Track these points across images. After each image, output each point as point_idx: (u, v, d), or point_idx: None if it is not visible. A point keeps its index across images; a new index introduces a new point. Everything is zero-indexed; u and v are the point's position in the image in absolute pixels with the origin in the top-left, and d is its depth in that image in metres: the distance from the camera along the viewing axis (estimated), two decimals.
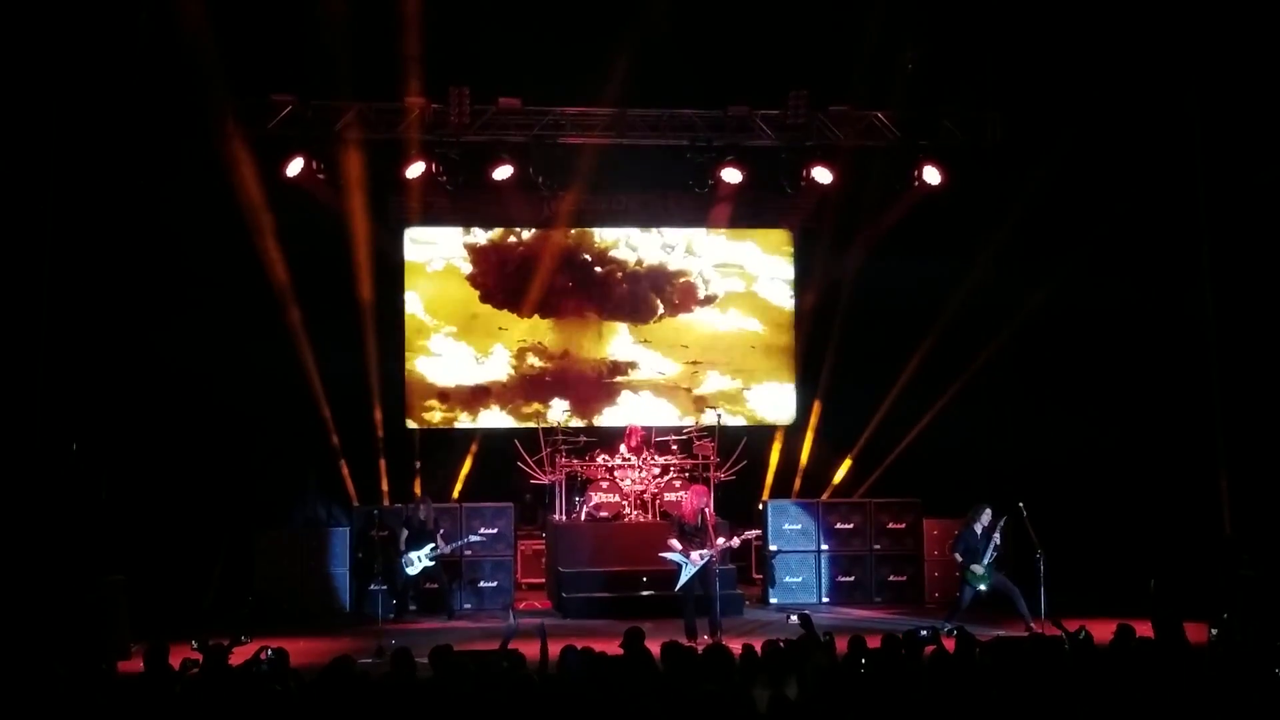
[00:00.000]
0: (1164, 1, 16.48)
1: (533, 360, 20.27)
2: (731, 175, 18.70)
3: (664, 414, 20.19)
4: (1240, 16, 15.81)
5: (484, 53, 17.52)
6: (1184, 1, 16.35)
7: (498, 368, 20.22)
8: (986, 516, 15.41)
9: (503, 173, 18.50)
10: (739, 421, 20.07)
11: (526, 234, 20.29)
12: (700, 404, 20.23)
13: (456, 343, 20.13)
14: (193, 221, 17.21)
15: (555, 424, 18.85)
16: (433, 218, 19.85)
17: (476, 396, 20.14)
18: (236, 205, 17.39)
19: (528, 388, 20.24)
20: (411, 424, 19.88)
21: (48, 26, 15.40)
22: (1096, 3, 16.85)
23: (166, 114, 16.81)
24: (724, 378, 20.55)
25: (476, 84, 17.89)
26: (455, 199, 19.30)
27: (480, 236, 20.24)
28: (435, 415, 20.07)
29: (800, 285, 20.50)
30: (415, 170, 18.30)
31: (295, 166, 17.87)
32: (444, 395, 20.02)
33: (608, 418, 20.06)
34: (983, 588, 15.31)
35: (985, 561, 15.25)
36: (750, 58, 17.79)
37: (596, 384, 20.36)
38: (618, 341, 20.48)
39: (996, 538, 15.29)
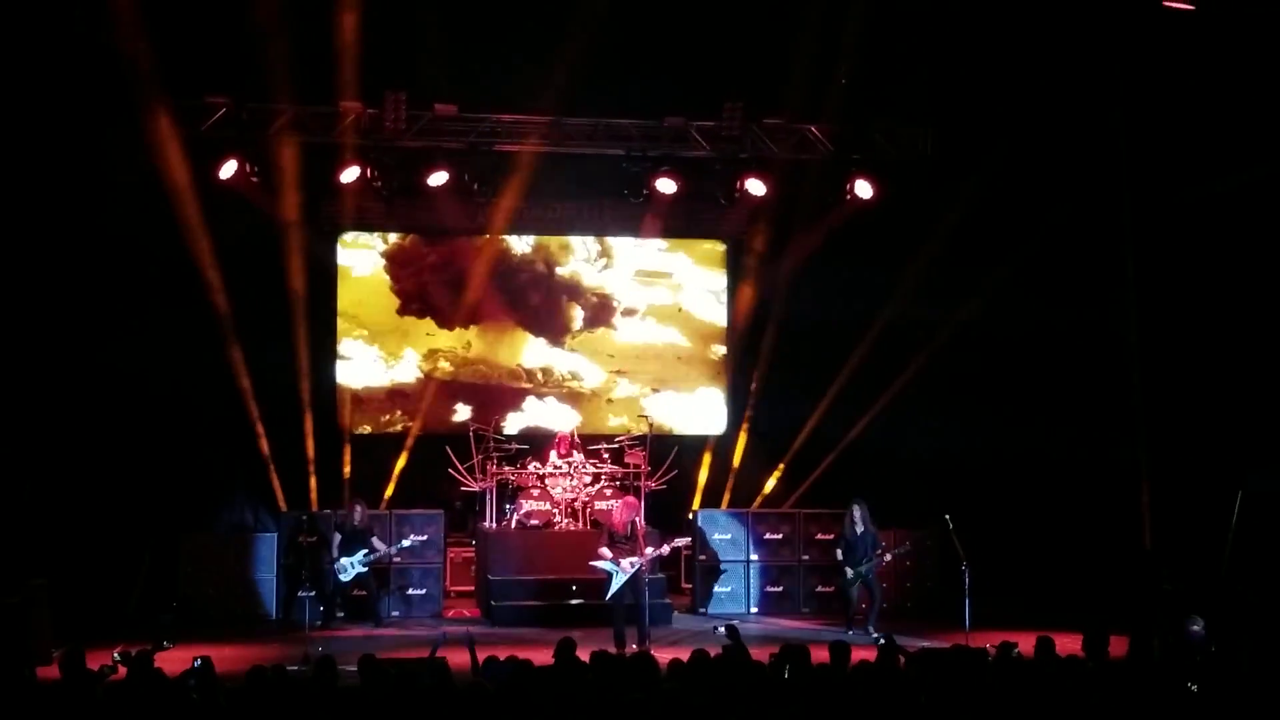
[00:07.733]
0: (1092, 20, 16.74)
1: (444, 364, 20.20)
2: (666, 185, 18.75)
3: (568, 420, 20.07)
4: (1166, 34, 16.06)
5: (421, 59, 17.45)
6: (1112, 20, 16.62)
7: (407, 371, 20.12)
8: (857, 513, 16.46)
9: (438, 179, 18.43)
10: (675, 429, 20.10)
11: (440, 246, 20.26)
12: (607, 410, 20.39)
13: (367, 346, 20.02)
14: (123, 222, 17.06)
15: (487, 431, 18.75)
16: (367, 223, 19.79)
17: (391, 400, 20.07)
18: (168, 206, 17.20)
19: (436, 393, 20.05)
20: (342, 428, 19.71)
21: None
22: (1027, 20, 17.07)
23: (99, 113, 16.64)
24: (633, 386, 20.61)
25: (413, 90, 17.82)
26: (390, 204, 19.24)
27: (396, 246, 20.17)
28: (366, 420, 19.96)
29: (732, 295, 20.59)
30: (350, 175, 18.20)
31: (229, 169, 17.70)
32: (357, 399, 19.89)
33: (512, 423, 19.93)
34: (854, 584, 16.47)
35: (861, 565, 16.28)
36: (686, 69, 17.84)
37: (506, 390, 20.30)
38: (537, 349, 20.45)
39: (886, 553, 16.47)
